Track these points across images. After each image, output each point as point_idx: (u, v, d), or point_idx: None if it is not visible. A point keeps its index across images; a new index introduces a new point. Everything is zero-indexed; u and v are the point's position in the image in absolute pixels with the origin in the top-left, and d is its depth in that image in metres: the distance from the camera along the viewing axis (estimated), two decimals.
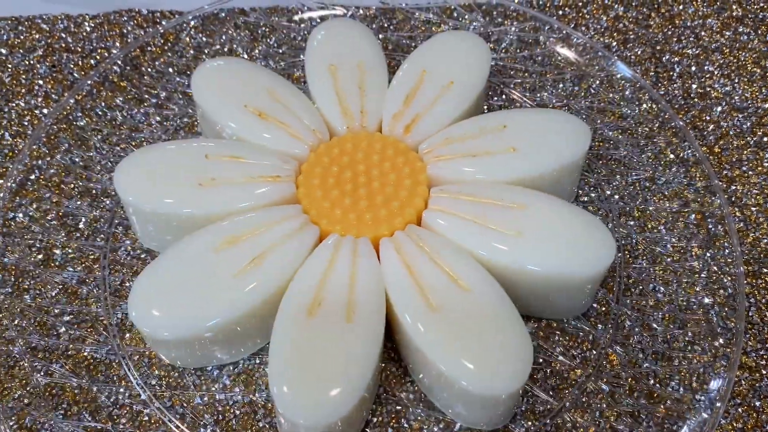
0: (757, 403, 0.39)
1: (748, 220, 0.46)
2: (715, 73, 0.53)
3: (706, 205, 0.45)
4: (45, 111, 0.49)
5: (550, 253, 0.37)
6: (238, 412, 0.38)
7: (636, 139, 0.48)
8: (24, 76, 0.51)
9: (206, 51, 0.53)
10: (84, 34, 0.54)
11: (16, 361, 0.39)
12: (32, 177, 0.45)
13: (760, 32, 0.55)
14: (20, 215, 0.44)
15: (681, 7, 0.56)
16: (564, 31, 0.52)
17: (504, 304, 0.36)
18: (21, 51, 0.52)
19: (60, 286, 0.42)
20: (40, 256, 0.43)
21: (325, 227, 0.40)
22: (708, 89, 0.52)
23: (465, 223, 0.39)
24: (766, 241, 0.45)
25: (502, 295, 0.36)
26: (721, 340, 0.39)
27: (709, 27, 0.55)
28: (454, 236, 0.39)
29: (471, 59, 0.46)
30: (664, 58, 0.54)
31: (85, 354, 0.39)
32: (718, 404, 0.37)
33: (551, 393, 0.38)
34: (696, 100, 0.51)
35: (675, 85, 0.52)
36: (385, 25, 0.54)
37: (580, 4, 0.56)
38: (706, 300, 0.41)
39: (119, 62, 0.50)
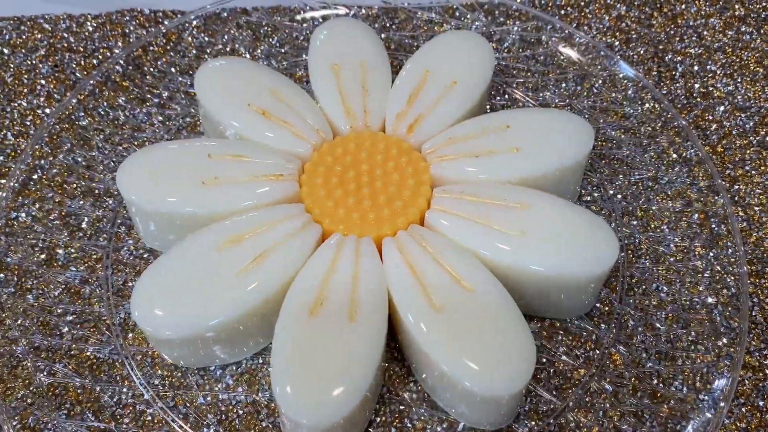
0: (761, 403, 0.39)
1: (751, 220, 0.46)
2: (718, 72, 0.53)
3: (709, 204, 0.44)
4: (47, 111, 0.49)
5: (553, 253, 0.37)
6: (241, 412, 0.38)
7: (639, 139, 0.48)
8: (26, 76, 0.51)
9: (208, 51, 0.53)
10: (86, 33, 0.54)
11: (19, 361, 0.39)
12: (35, 177, 0.45)
13: (762, 31, 0.55)
14: (23, 215, 0.44)
15: (683, 6, 0.56)
16: (566, 31, 0.52)
17: (507, 304, 0.36)
18: (23, 51, 0.52)
19: (63, 286, 0.42)
20: (42, 256, 0.43)
21: (328, 226, 0.40)
22: (711, 89, 0.52)
23: (468, 223, 0.39)
24: None
25: (505, 295, 0.36)
26: (724, 340, 0.39)
27: (711, 26, 0.55)
28: (457, 236, 0.39)
29: (474, 59, 0.46)
30: (666, 58, 0.53)
31: (88, 354, 0.39)
32: (722, 404, 0.37)
33: (554, 393, 0.38)
34: (699, 99, 0.51)
35: (677, 85, 0.52)
36: (388, 24, 0.54)
37: (583, 3, 0.56)
38: (710, 299, 0.41)
39: (121, 62, 0.50)
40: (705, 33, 0.55)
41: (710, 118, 0.50)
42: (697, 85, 0.52)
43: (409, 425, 0.37)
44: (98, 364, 0.39)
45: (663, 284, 0.42)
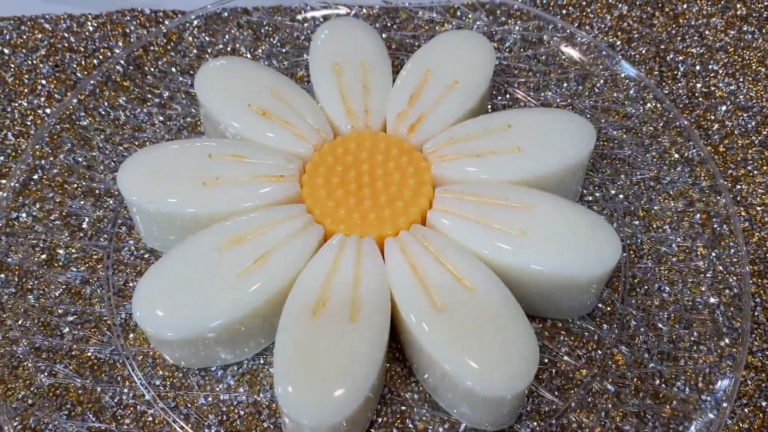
0: (764, 403, 0.39)
1: (754, 220, 0.46)
2: (720, 72, 0.53)
3: (711, 204, 0.44)
4: (48, 111, 0.49)
5: (555, 253, 0.37)
6: (242, 413, 0.38)
7: (641, 139, 0.48)
8: (27, 76, 0.51)
9: (209, 50, 0.52)
10: (87, 33, 0.54)
11: (20, 362, 0.39)
12: (35, 177, 0.45)
13: (764, 31, 0.55)
14: (23, 215, 0.44)
15: (685, 5, 0.56)
16: (568, 31, 0.52)
17: (509, 304, 0.36)
18: (24, 51, 0.52)
19: (63, 287, 0.42)
20: (43, 256, 0.43)
21: (329, 227, 0.39)
22: (712, 88, 0.52)
23: (469, 223, 0.39)
24: None
25: (507, 294, 0.36)
26: (726, 340, 0.39)
27: (713, 26, 0.55)
28: (459, 236, 0.38)
29: (475, 59, 0.46)
30: (668, 57, 0.53)
31: (89, 354, 0.39)
32: (725, 404, 0.37)
33: (556, 393, 0.38)
34: (700, 99, 0.51)
35: (679, 84, 0.52)
36: (389, 24, 0.54)
37: (584, 3, 0.56)
38: (712, 300, 0.41)
39: (122, 62, 0.50)
40: (707, 32, 0.55)
41: (712, 117, 0.50)
42: (699, 85, 0.52)
43: (410, 426, 0.37)
44: (99, 365, 0.39)
45: (665, 284, 0.42)
